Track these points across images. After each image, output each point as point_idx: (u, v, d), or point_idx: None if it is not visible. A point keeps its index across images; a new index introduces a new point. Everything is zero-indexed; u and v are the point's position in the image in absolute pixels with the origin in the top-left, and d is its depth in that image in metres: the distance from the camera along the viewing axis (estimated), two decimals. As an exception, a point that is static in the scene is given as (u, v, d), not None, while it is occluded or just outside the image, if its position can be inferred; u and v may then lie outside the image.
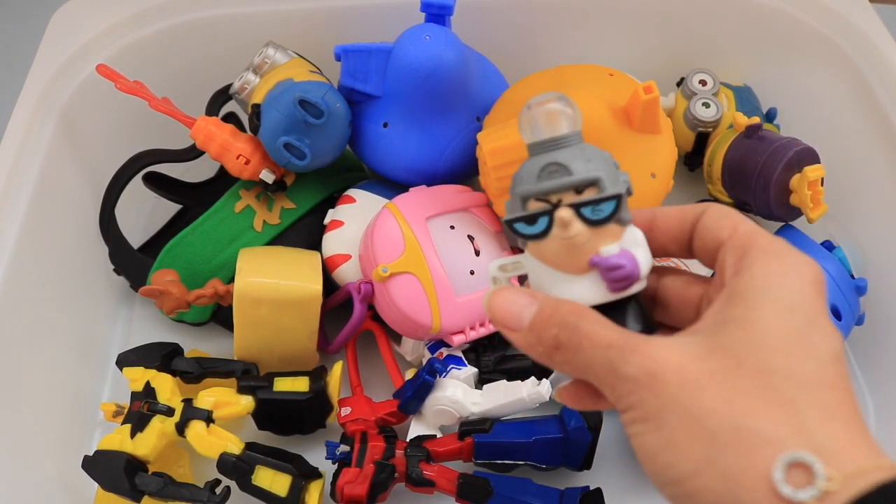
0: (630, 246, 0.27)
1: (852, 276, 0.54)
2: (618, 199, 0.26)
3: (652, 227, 0.29)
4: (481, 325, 0.52)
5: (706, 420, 0.22)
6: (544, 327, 0.26)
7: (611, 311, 0.26)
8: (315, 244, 0.56)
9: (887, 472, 0.20)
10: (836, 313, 0.52)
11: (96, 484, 0.47)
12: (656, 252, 0.29)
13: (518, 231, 0.26)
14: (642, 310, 0.27)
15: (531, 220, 0.26)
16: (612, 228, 0.26)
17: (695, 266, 0.54)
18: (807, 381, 0.22)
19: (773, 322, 0.23)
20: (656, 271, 0.30)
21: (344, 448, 0.48)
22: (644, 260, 0.27)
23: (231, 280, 0.53)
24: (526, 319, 0.26)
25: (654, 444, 0.23)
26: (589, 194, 0.26)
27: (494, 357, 0.53)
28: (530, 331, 0.26)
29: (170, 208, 0.65)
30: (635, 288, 0.27)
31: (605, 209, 0.26)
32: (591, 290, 0.26)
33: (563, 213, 0.26)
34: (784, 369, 0.22)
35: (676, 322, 0.29)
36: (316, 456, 0.50)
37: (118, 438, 0.47)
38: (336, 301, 0.55)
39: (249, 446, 0.47)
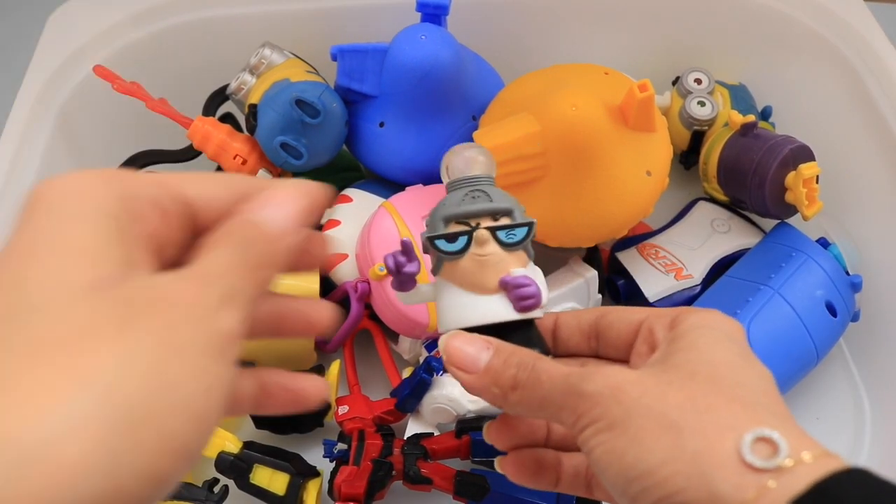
0: (533, 275, 0.29)
1: (847, 273, 0.55)
2: (530, 226, 0.29)
3: (555, 327, 0.31)
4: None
5: (670, 414, 0.23)
6: (502, 369, 0.27)
7: (513, 332, 0.29)
8: (312, 243, 0.56)
9: (842, 461, 0.22)
10: (831, 310, 0.52)
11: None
12: (559, 350, 0.32)
13: (438, 247, 0.29)
14: (540, 335, 0.30)
15: (452, 238, 0.29)
16: (521, 256, 0.29)
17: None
18: (755, 391, 0.24)
19: (716, 348, 0.25)
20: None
21: (342, 446, 0.48)
22: (544, 290, 0.29)
23: (228, 279, 0.53)
24: (482, 362, 0.27)
25: (620, 447, 0.24)
26: (503, 222, 0.29)
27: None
28: (485, 373, 0.27)
29: (167, 208, 0.65)
30: (537, 312, 0.29)
31: (518, 234, 0.29)
32: (498, 308, 0.29)
33: (482, 233, 0.29)
34: (733, 380, 0.24)
35: None
36: (314, 454, 0.50)
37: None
38: (333, 300, 0.55)
39: (247, 445, 0.47)
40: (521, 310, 0.29)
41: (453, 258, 0.29)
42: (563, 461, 0.31)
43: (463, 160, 0.31)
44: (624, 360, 0.30)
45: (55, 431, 0.16)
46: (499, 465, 0.32)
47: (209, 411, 0.19)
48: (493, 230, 0.29)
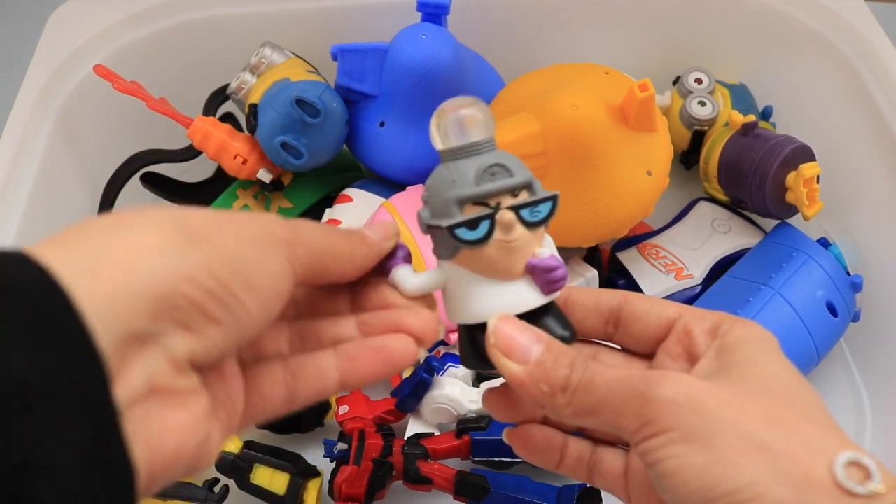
0: (553, 250, 0.27)
1: (848, 273, 0.55)
2: (554, 199, 0.26)
3: (567, 304, 0.30)
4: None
5: (757, 432, 0.23)
6: (553, 367, 0.25)
7: (537, 317, 0.26)
8: (312, 243, 0.56)
9: None
10: (831, 310, 0.52)
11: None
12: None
13: (460, 237, 0.25)
14: (567, 319, 0.28)
15: (473, 224, 0.25)
16: (541, 232, 0.27)
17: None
18: (824, 411, 0.24)
19: (777, 366, 0.25)
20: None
21: (342, 446, 0.48)
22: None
23: (229, 279, 0.53)
24: (534, 354, 0.25)
25: (701, 462, 0.23)
26: (522, 197, 0.26)
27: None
28: (537, 366, 0.25)
29: (167, 208, 0.65)
30: (558, 294, 0.27)
31: (543, 210, 0.26)
32: (527, 295, 0.26)
33: (507, 216, 0.25)
34: (805, 400, 0.24)
35: None
36: (314, 454, 0.50)
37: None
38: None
39: (248, 445, 0.47)
40: (549, 293, 0.26)
41: (476, 246, 0.25)
42: (570, 444, 0.30)
43: (460, 121, 0.26)
44: (646, 355, 0.29)
45: (120, 236, 0.20)
46: (506, 436, 0.30)
47: (251, 267, 0.22)
48: (516, 210, 0.25)
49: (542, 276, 0.26)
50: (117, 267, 0.19)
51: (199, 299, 0.20)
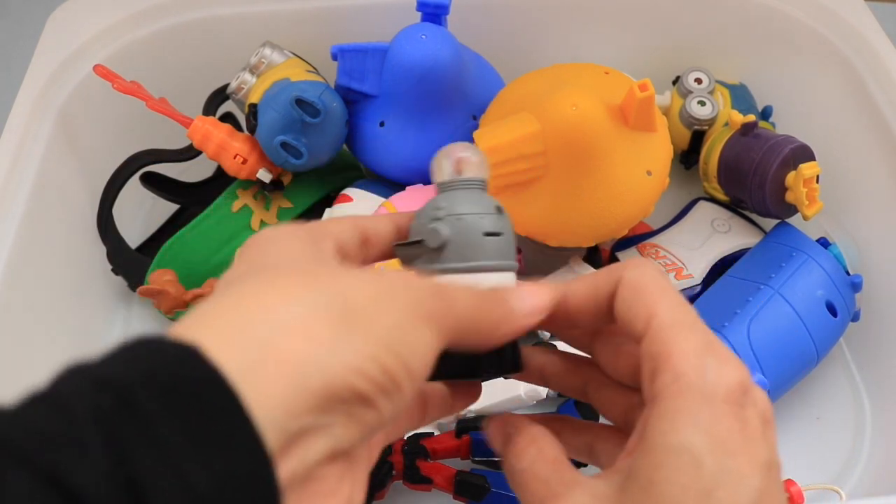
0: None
1: (848, 273, 0.55)
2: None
3: (565, 307, 0.28)
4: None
5: None
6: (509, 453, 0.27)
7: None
8: (312, 243, 0.56)
9: None
10: (831, 310, 0.52)
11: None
12: (572, 325, 0.29)
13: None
14: (517, 352, 0.29)
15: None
16: None
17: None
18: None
19: (674, 484, 0.21)
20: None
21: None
22: None
23: (229, 279, 0.53)
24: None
25: None
26: None
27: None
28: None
29: (167, 208, 0.65)
30: None
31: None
32: None
33: None
34: None
35: (616, 376, 0.29)
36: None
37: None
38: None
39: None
40: None
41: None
42: (564, 434, 0.31)
43: (455, 161, 0.30)
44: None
45: (281, 322, 0.19)
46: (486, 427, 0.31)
47: (410, 350, 0.21)
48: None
49: None
50: (286, 363, 0.18)
51: (366, 391, 0.20)
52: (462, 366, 0.27)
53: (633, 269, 0.26)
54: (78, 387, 0.17)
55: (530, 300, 0.26)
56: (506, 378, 0.30)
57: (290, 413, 0.18)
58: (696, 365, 0.23)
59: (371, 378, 0.20)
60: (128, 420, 0.16)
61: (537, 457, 0.26)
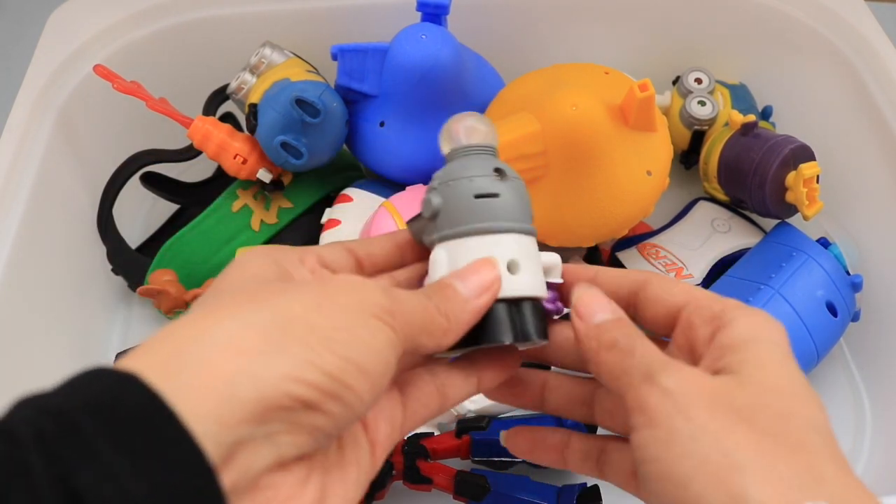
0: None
1: (848, 273, 0.55)
2: None
3: (596, 280, 0.30)
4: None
5: (735, 455, 0.22)
6: (611, 330, 0.27)
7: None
8: (312, 243, 0.56)
9: None
10: (831, 310, 0.52)
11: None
12: None
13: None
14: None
15: None
16: None
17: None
18: (818, 427, 0.23)
19: (782, 372, 0.24)
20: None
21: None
22: None
23: (229, 279, 0.53)
24: (598, 318, 0.27)
25: (675, 473, 0.23)
26: None
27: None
28: (597, 327, 0.27)
29: (167, 208, 0.65)
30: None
31: None
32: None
33: None
34: (804, 420, 0.23)
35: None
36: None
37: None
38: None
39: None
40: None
41: None
42: (573, 443, 0.31)
43: (459, 130, 0.29)
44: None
45: (214, 341, 0.20)
46: (504, 439, 0.31)
47: (360, 349, 0.22)
48: None
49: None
50: (217, 378, 0.19)
51: (309, 397, 0.20)
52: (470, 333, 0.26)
53: (660, 275, 0.29)
54: (24, 415, 0.18)
55: (474, 280, 0.26)
56: (520, 346, 0.29)
57: (225, 425, 0.19)
58: (751, 307, 0.26)
59: (311, 383, 0.20)
60: (69, 442, 0.17)
61: (618, 329, 0.27)
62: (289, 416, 0.20)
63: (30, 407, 0.18)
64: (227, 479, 0.19)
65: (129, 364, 0.19)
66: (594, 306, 0.27)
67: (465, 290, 0.26)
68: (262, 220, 0.57)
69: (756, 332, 0.25)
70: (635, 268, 0.56)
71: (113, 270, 0.60)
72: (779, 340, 0.25)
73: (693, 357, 0.27)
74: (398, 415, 0.26)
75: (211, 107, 0.59)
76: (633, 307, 0.29)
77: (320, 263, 0.27)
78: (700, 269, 0.56)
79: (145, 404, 0.18)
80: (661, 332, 0.29)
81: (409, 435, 0.49)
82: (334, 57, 0.54)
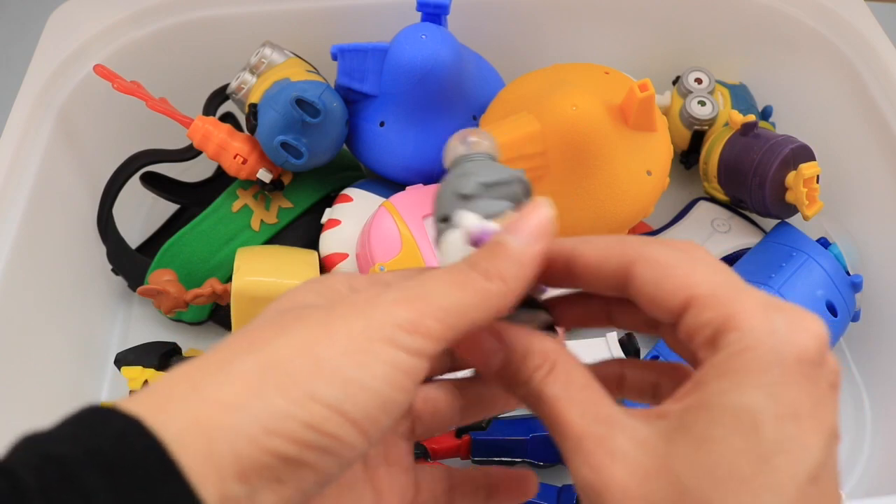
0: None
1: (848, 273, 0.55)
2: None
3: (573, 260, 0.25)
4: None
5: None
6: (512, 383, 0.24)
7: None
8: (312, 243, 0.56)
9: None
10: (831, 310, 0.52)
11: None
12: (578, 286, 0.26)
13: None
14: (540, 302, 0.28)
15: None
16: None
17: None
18: None
19: (730, 446, 0.20)
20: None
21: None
22: None
23: (229, 279, 0.53)
24: (493, 366, 0.24)
25: None
26: None
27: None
28: (499, 380, 0.24)
29: (167, 208, 0.65)
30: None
31: None
32: None
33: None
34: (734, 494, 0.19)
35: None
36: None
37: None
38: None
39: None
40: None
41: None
42: (627, 375, 0.27)
43: (467, 144, 0.29)
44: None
45: (205, 393, 0.19)
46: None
47: (348, 393, 0.20)
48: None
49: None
50: (200, 432, 0.18)
51: (288, 452, 0.19)
52: None
53: (652, 247, 0.23)
54: (28, 460, 0.18)
55: (525, 227, 0.23)
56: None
57: (209, 482, 0.18)
58: (764, 320, 0.21)
59: (290, 437, 0.19)
60: (70, 495, 0.17)
61: (565, 383, 0.23)
62: (269, 473, 0.19)
63: (33, 451, 0.18)
64: None
65: (131, 407, 0.19)
66: (479, 354, 0.24)
67: (518, 242, 0.23)
68: (262, 220, 0.57)
69: (741, 378, 0.20)
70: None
71: (113, 270, 0.60)
72: (776, 387, 0.20)
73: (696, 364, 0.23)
74: (411, 494, 0.26)
75: (211, 107, 0.59)
76: (623, 290, 0.24)
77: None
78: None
79: (147, 456, 0.18)
80: (655, 314, 0.24)
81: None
82: (334, 57, 0.54)
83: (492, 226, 0.25)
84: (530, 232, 0.23)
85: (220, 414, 0.19)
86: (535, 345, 0.24)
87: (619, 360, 0.28)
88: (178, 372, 0.20)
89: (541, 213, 0.24)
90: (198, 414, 0.19)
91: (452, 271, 0.22)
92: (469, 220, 0.26)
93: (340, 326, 0.21)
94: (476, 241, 0.25)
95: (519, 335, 0.24)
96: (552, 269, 0.25)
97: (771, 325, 0.21)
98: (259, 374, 0.19)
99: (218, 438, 0.18)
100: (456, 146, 0.29)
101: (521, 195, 0.28)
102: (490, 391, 0.28)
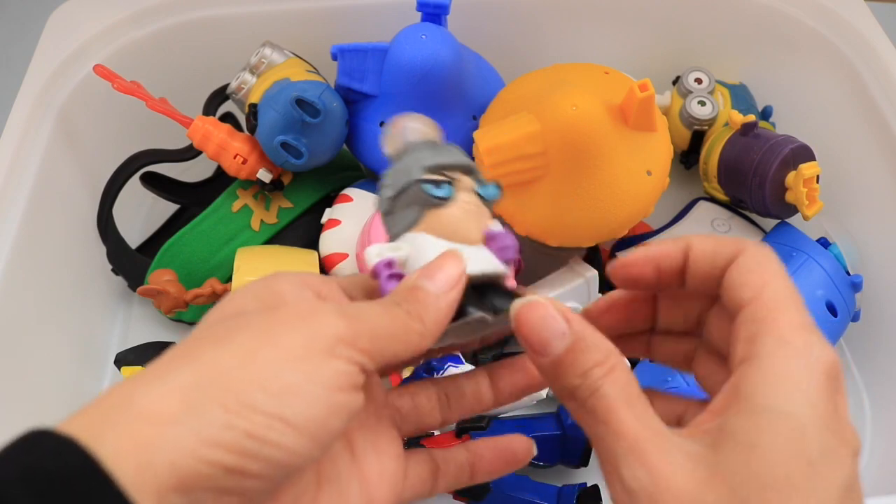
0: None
1: (848, 273, 0.55)
2: (499, 185, 0.29)
3: (685, 257, 0.26)
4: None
5: None
6: (568, 371, 0.23)
7: (490, 286, 0.27)
8: (312, 243, 0.56)
9: None
10: (831, 309, 0.52)
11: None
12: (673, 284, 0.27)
13: (428, 192, 0.28)
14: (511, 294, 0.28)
15: (437, 185, 0.28)
16: (488, 210, 0.29)
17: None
18: None
19: (778, 452, 0.20)
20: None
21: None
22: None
23: (228, 279, 0.53)
24: (555, 350, 0.23)
25: None
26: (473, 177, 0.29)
27: (492, 355, 0.53)
28: (554, 365, 0.23)
29: (167, 208, 0.65)
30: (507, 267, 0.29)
31: (492, 190, 0.29)
32: (488, 258, 0.28)
33: (466, 181, 0.28)
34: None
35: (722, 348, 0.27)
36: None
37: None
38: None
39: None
40: (504, 259, 0.28)
41: (441, 204, 0.27)
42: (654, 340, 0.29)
43: (411, 131, 0.30)
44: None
45: (140, 406, 0.19)
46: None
47: (289, 400, 0.20)
48: (472, 180, 0.29)
49: (497, 243, 0.28)
50: (136, 446, 0.18)
51: (228, 462, 0.19)
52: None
53: (757, 245, 0.25)
54: None
55: (441, 275, 0.25)
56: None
57: (149, 496, 0.18)
58: (804, 337, 0.22)
59: (229, 447, 0.19)
60: None
61: (624, 386, 0.23)
62: (211, 483, 0.19)
63: None
64: None
65: (67, 428, 0.19)
66: (543, 335, 0.23)
67: (435, 288, 0.24)
68: (262, 220, 0.57)
69: (776, 389, 0.21)
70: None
71: (113, 270, 0.60)
72: (815, 398, 0.21)
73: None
74: (401, 480, 0.27)
75: (211, 107, 0.59)
76: (719, 279, 0.25)
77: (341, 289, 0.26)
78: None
79: (83, 472, 0.18)
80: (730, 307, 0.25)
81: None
82: (334, 57, 0.54)
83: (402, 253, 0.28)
84: (447, 280, 0.25)
85: (157, 427, 0.19)
86: (601, 341, 0.24)
87: (645, 391, 0.28)
88: (115, 388, 0.20)
89: (456, 264, 0.25)
90: (133, 428, 0.19)
91: (383, 303, 0.24)
92: (374, 252, 0.28)
93: (281, 335, 0.21)
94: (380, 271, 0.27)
95: (585, 327, 0.24)
96: (669, 259, 0.26)
97: (808, 339, 0.22)
98: (197, 385, 0.20)
99: (156, 451, 0.18)
100: (403, 132, 0.30)
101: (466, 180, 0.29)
102: (474, 388, 0.29)
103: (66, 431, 0.19)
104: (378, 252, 0.28)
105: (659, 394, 0.28)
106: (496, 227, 0.29)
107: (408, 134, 0.30)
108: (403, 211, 0.28)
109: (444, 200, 0.28)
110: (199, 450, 0.19)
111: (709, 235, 0.26)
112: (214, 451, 0.19)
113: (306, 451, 0.21)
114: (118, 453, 0.18)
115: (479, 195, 0.29)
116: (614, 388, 0.23)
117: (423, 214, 0.28)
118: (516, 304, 0.25)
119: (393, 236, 0.29)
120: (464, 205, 0.28)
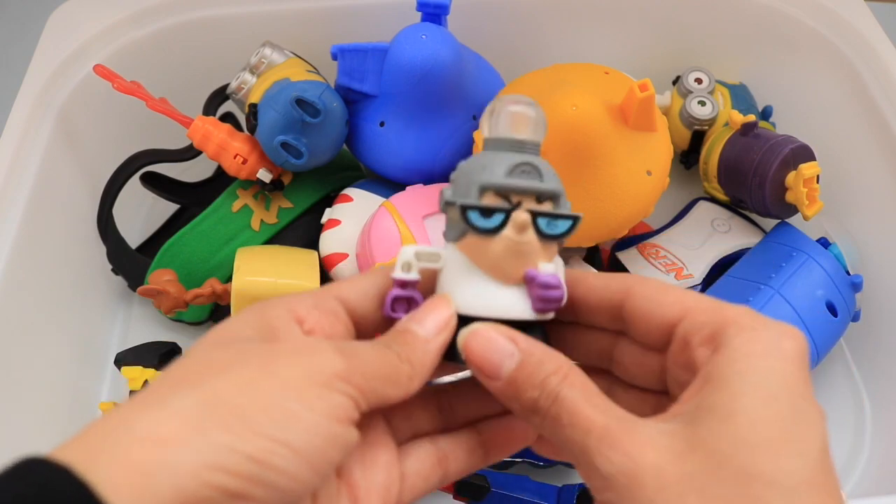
0: (559, 271, 0.26)
1: (848, 273, 0.55)
2: (575, 220, 0.26)
3: (574, 289, 0.27)
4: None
5: None
6: (524, 386, 0.24)
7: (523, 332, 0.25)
8: (312, 243, 0.56)
9: None
10: (831, 310, 0.52)
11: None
12: (572, 317, 0.28)
13: (469, 220, 0.25)
14: (546, 338, 0.26)
15: (487, 213, 0.25)
16: (553, 249, 0.26)
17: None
18: (793, 486, 0.20)
19: (756, 414, 0.21)
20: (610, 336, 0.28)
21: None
22: (565, 287, 0.26)
23: (229, 279, 0.53)
24: (506, 370, 0.24)
25: None
26: (546, 207, 0.25)
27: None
28: (508, 385, 0.24)
29: (167, 208, 0.65)
30: (551, 315, 0.26)
31: (561, 226, 0.26)
32: (516, 304, 0.25)
33: (523, 216, 0.25)
34: (768, 473, 0.20)
35: (636, 383, 0.28)
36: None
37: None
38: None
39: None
40: (539, 311, 0.25)
41: (483, 236, 0.25)
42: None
43: (511, 114, 0.26)
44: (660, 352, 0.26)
45: (138, 431, 0.19)
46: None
47: (292, 427, 0.21)
48: (535, 215, 0.25)
49: (538, 290, 0.25)
50: (135, 471, 0.18)
51: (231, 486, 0.19)
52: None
53: (645, 277, 0.26)
54: None
55: (430, 320, 0.25)
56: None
57: None
58: (759, 319, 0.23)
59: (233, 471, 0.19)
60: None
61: (582, 388, 0.23)
62: None
63: None
64: None
65: (62, 455, 0.19)
66: (492, 357, 0.24)
67: (424, 332, 0.25)
68: (262, 220, 0.57)
69: (747, 364, 0.22)
70: (636, 268, 0.57)
71: (113, 270, 0.60)
72: (774, 373, 0.22)
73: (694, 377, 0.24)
74: (395, 486, 0.26)
75: (211, 107, 0.59)
76: (621, 320, 0.26)
77: (295, 318, 0.25)
78: (700, 270, 0.56)
79: (76, 500, 0.18)
80: (657, 349, 0.26)
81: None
82: (334, 57, 0.54)
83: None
84: (435, 325, 0.25)
85: (159, 449, 0.19)
86: (551, 353, 0.24)
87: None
88: (111, 413, 0.20)
89: (445, 310, 0.26)
90: (133, 451, 0.19)
91: (375, 345, 0.24)
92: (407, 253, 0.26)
93: (281, 368, 0.22)
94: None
95: (532, 344, 0.25)
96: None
97: (765, 322, 0.23)
98: (200, 410, 0.20)
99: (157, 474, 0.18)
100: (503, 117, 0.27)
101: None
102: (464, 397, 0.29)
103: (61, 458, 0.19)
104: (415, 253, 0.26)
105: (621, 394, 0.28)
106: (547, 268, 0.25)
107: (501, 122, 0.26)
108: (453, 219, 0.26)
109: (485, 233, 0.25)
110: (202, 473, 0.19)
111: (589, 275, 0.27)
112: (217, 475, 0.19)
113: (307, 479, 0.21)
114: (114, 479, 0.18)
115: (539, 230, 0.25)
116: (573, 390, 0.23)
117: (466, 235, 0.26)
118: (462, 336, 0.25)
119: (445, 235, 0.27)
120: (509, 242, 0.25)
